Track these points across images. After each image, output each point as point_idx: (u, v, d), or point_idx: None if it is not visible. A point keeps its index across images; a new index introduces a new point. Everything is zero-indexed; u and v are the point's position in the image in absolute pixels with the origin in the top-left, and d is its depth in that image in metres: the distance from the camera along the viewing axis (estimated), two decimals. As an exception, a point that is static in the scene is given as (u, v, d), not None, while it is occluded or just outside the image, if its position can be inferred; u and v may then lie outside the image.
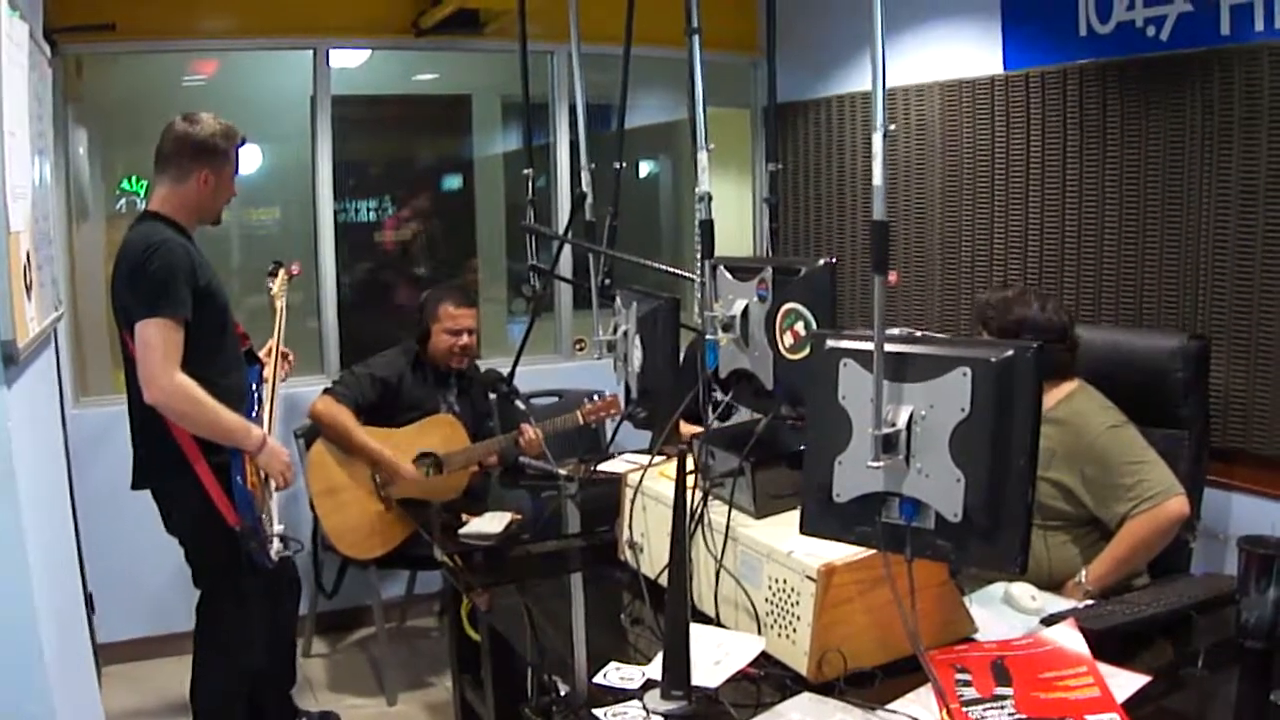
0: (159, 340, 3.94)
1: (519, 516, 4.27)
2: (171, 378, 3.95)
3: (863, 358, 2.34)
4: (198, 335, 4.07)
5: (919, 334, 2.42)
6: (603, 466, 4.58)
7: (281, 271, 4.93)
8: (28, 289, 2.91)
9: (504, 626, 3.53)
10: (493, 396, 5.39)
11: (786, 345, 2.94)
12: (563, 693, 2.90)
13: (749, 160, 7.54)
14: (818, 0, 6.55)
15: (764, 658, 2.77)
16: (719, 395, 3.28)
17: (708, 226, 3.18)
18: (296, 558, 4.83)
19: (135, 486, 4.29)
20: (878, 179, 2.28)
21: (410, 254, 7.68)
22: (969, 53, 5.74)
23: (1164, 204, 4.77)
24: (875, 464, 2.27)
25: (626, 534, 3.53)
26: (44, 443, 3.45)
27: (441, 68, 7.62)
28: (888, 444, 2.27)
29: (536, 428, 5.29)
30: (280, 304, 4.81)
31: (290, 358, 4.80)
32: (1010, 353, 2.19)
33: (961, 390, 2.21)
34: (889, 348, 2.29)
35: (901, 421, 2.27)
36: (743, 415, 3.31)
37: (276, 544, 4.27)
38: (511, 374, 4.84)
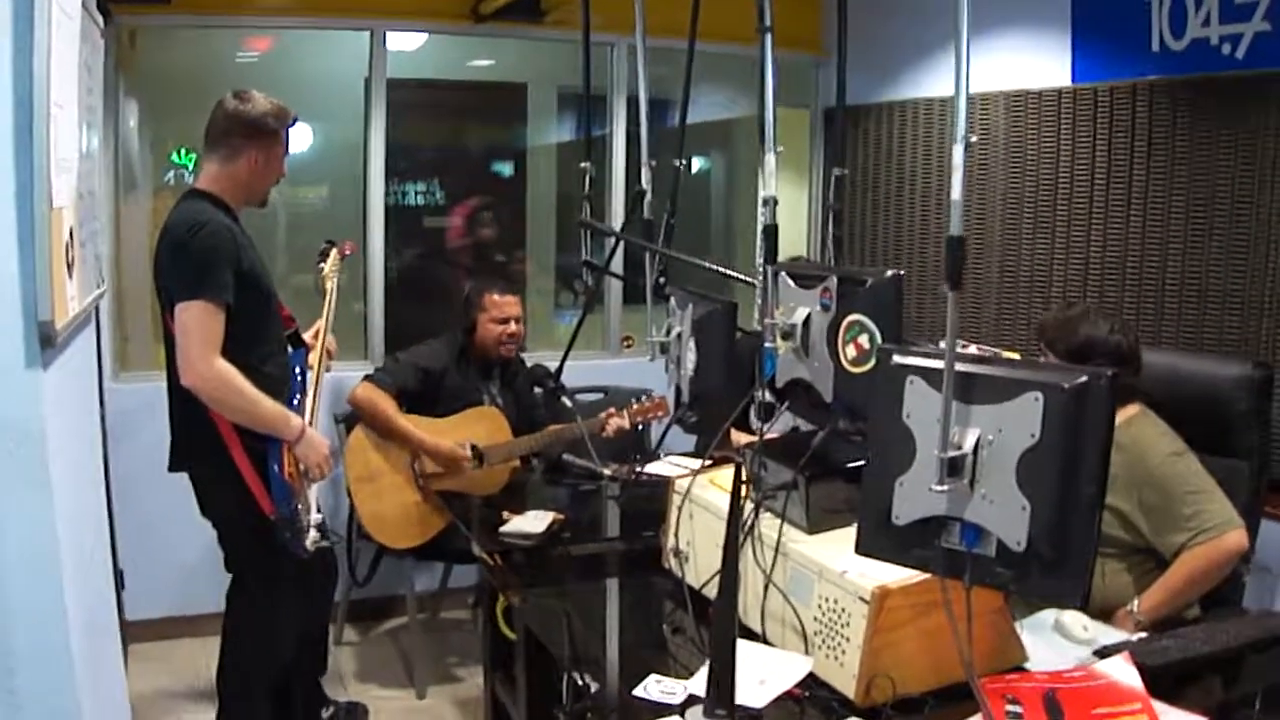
0: (198, 324, 3.89)
1: (561, 517, 4.20)
2: (210, 363, 3.89)
3: (931, 376, 2.26)
4: (239, 320, 4.01)
5: (990, 354, 2.35)
6: (647, 469, 4.50)
7: (334, 251, 4.82)
8: (69, 267, 2.87)
9: (540, 627, 3.48)
10: (538, 391, 5.34)
11: (849, 358, 2.86)
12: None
13: (805, 162, 7.50)
14: (882, 3, 6.46)
15: (810, 679, 2.71)
16: (774, 404, 3.21)
17: (771, 231, 3.10)
18: (336, 545, 4.75)
19: (172, 469, 4.24)
20: (956, 192, 2.19)
21: (476, 242, 7.61)
22: (1036, 63, 5.65)
23: (1231, 226, 4.68)
24: (939, 487, 2.19)
25: (672, 541, 3.47)
26: (80, 423, 3.41)
27: (498, 55, 7.58)
28: (953, 467, 2.18)
29: (621, 415, 5.25)
30: (331, 285, 4.72)
31: (333, 351, 4.71)
32: (1084, 379, 2.11)
33: (1032, 415, 2.12)
34: (958, 367, 2.21)
35: (968, 444, 2.18)
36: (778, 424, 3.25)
37: (313, 534, 4.21)
38: (559, 369, 4.77)
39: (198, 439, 4.10)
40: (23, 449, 2.52)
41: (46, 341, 2.56)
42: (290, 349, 4.43)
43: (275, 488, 4.07)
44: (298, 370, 4.38)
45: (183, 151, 6.51)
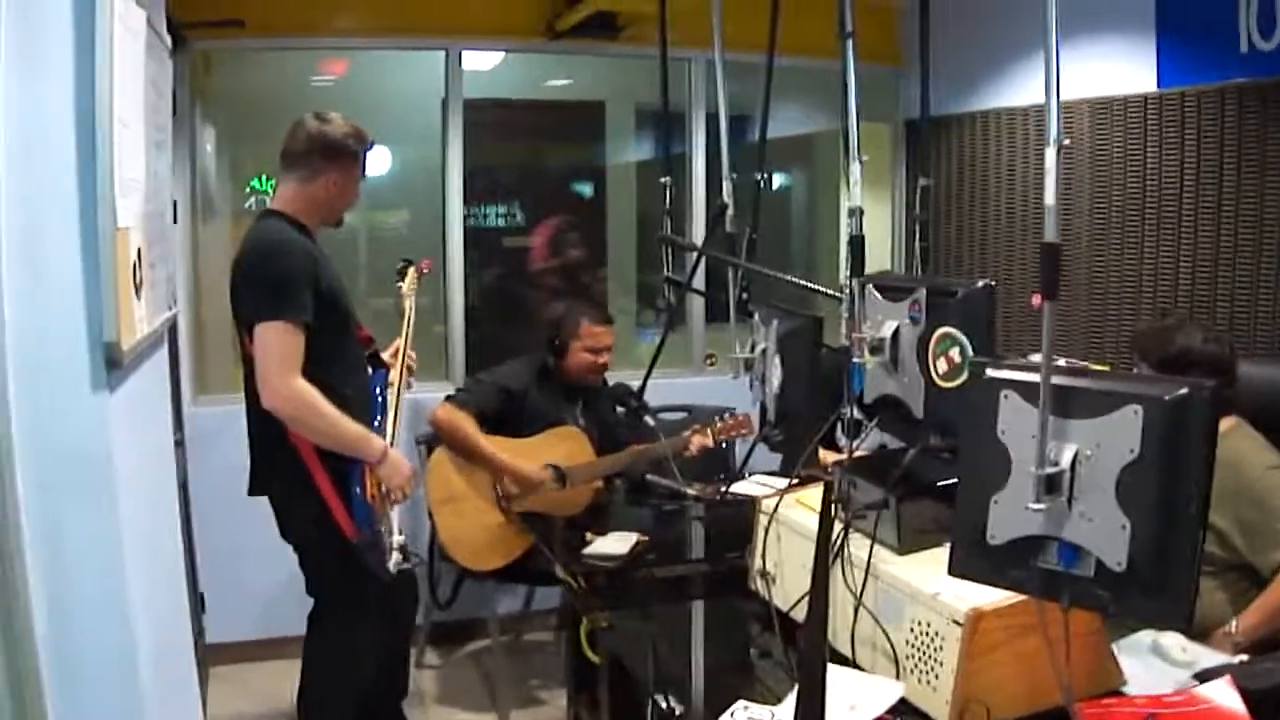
0: (278, 344, 3.89)
1: (646, 538, 4.17)
2: (290, 383, 3.89)
3: (1026, 390, 2.18)
4: (319, 339, 4.01)
5: (1086, 367, 2.27)
6: (733, 489, 4.45)
7: (411, 270, 4.85)
8: (137, 288, 2.84)
9: (624, 651, 3.44)
10: (621, 410, 5.30)
11: (940, 372, 2.79)
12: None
13: (886, 177, 7.43)
14: (961, 13, 6.42)
15: (902, 704, 2.65)
16: (863, 421, 3.15)
17: (858, 243, 3.04)
18: (418, 567, 4.72)
19: (252, 492, 4.25)
20: (1050, 197, 2.12)
21: (553, 266, 7.57)
22: (1121, 69, 5.55)
23: (1327, 233, 4.57)
24: (1036, 505, 2.11)
25: (759, 563, 3.41)
26: (151, 446, 3.39)
27: (575, 73, 7.60)
28: (1050, 484, 2.10)
29: (705, 430, 5.21)
30: (409, 304, 4.74)
31: (413, 366, 4.70)
32: (1184, 391, 2.02)
33: (1131, 430, 2.04)
34: (1054, 380, 2.13)
35: (1065, 461, 2.10)
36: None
37: (395, 556, 4.20)
38: (642, 388, 4.71)
39: (278, 461, 4.10)
40: (89, 473, 2.50)
41: (113, 364, 2.53)
42: (370, 370, 4.42)
43: (357, 510, 4.07)
44: (378, 391, 4.37)
45: (263, 179, 6.53)
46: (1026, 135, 6.21)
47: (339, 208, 4.34)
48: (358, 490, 4.07)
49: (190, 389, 5.93)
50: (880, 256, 7.34)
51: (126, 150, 2.72)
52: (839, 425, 3.14)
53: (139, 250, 2.89)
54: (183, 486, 5.09)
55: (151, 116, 3.26)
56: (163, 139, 3.65)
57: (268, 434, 4.07)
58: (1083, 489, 2.10)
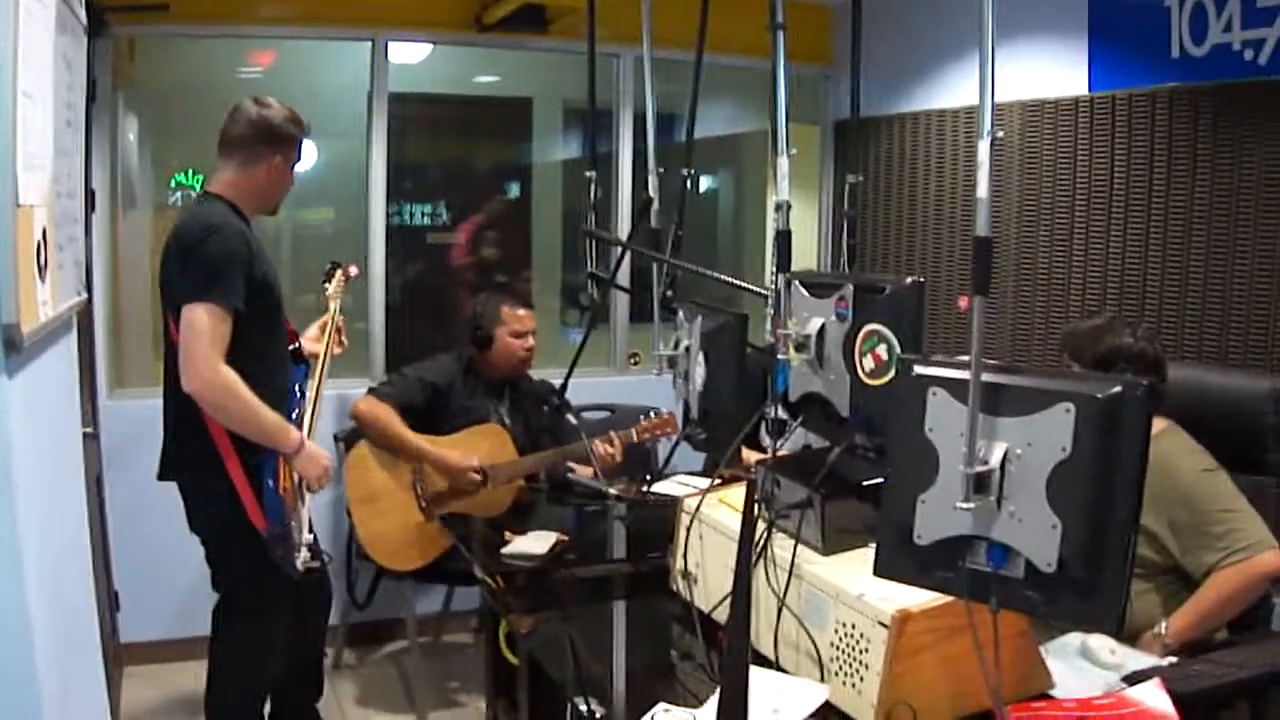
0: (206, 327, 3.82)
1: (565, 538, 4.13)
2: (214, 367, 3.82)
3: (954, 387, 2.12)
4: (248, 330, 3.96)
5: (1013, 364, 2.23)
6: (655, 488, 4.40)
7: (339, 272, 4.82)
8: (41, 270, 2.76)
9: (543, 652, 3.41)
10: (545, 409, 5.25)
11: (866, 370, 2.74)
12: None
13: (813, 179, 7.43)
14: (891, 14, 6.44)
15: (826, 707, 2.61)
16: (788, 421, 3.09)
17: (785, 238, 2.98)
18: (329, 566, 4.65)
19: (161, 477, 4.17)
20: (982, 190, 2.06)
21: (474, 262, 7.51)
22: (1053, 71, 5.57)
23: (1256, 236, 4.61)
24: (965, 505, 2.06)
25: (680, 563, 3.36)
26: (54, 435, 3.30)
27: (503, 69, 7.58)
28: (979, 483, 2.05)
29: (617, 440, 5.15)
30: (335, 305, 4.69)
31: (343, 335, 4.68)
32: (1118, 389, 1.97)
33: (1063, 428, 1.99)
34: (984, 377, 2.08)
35: (995, 459, 2.05)
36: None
37: (304, 553, 4.13)
38: (564, 386, 4.65)
39: (191, 448, 4.04)
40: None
41: (10, 346, 2.45)
42: (292, 364, 4.37)
43: (269, 502, 4.01)
44: (295, 386, 4.29)
45: (189, 173, 6.45)
46: (956, 137, 6.23)
47: (277, 194, 4.32)
48: (270, 483, 4.01)
49: (106, 381, 5.84)
50: (805, 259, 7.31)
51: (31, 125, 2.63)
52: (763, 424, 3.09)
53: (44, 230, 2.80)
54: (97, 481, 5.01)
55: (63, 94, 3.18)
56: (74, 118, 3.57)
57: (183, 419, 4.01)
58: (1012, 488, 2.05)
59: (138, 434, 5.30)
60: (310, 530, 4.25)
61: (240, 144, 4.15)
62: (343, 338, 4.67)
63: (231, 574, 4.24)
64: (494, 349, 5.48)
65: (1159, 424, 3.66)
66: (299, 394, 4.33)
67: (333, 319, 4.61)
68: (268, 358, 4.13)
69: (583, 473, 5.20)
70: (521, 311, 5.50)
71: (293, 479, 4.11)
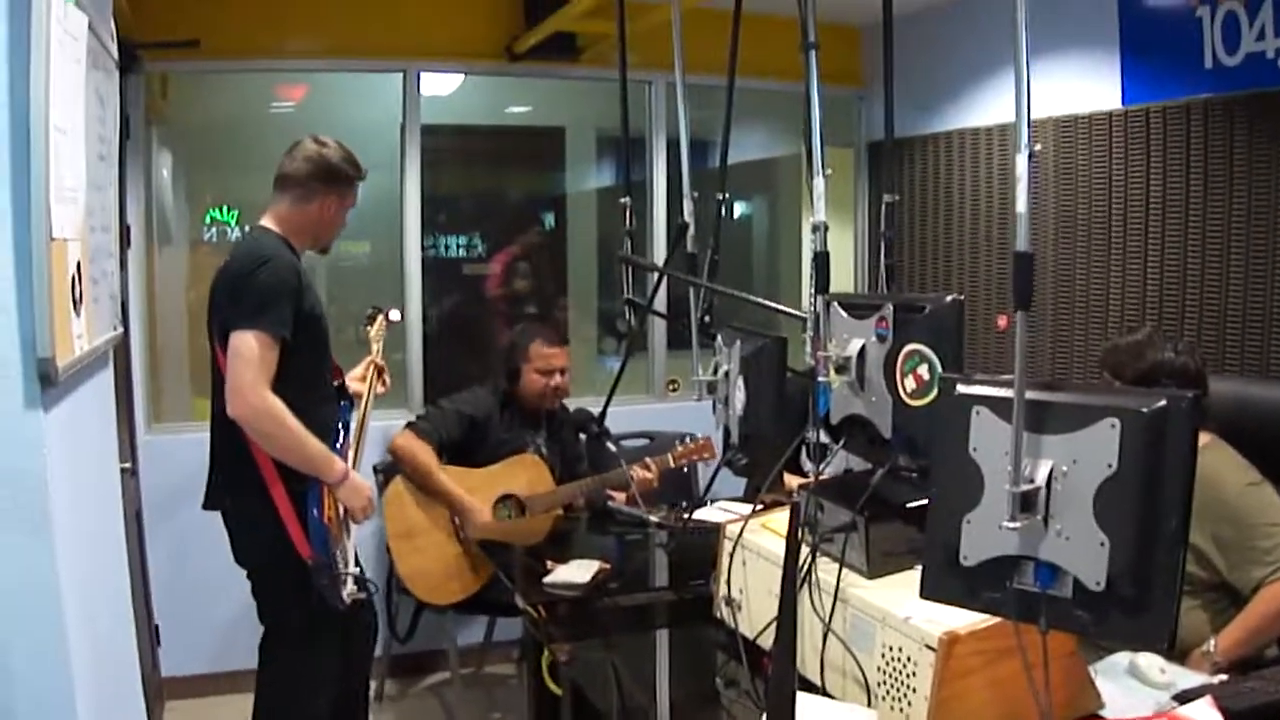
0: (254, 354, 3.85)
1: (607, 566, 4.09)
2: (260, 393, 3.84)
3: (998, 405, 2.10)
4: (295, 361, 3.99)
5: (1056, 380, 2.20)
6: (696, 515, 4.38)
7: (380, 317, 4.87)
8: (76, 303, 2.76)
9: (587, 681, 3.37)
10: (583, 437, 5.23)
11: (908, 390, 2.72)
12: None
13: (848, 201, 7.42)
14: (920, 35, 6.44)
15: (875, 733, 2.56)
16: (829, 445, 3.07)
17: (823, 259, 2.97)
18: (374, 596, 4.64)
19: (206, 506, 4.18)
20: (1021, 205, 2.05)
21: (509, 293, 7.51)
22: (1085, 86, 5.55)
23: (1295, 246, 4.55)
24: (1011, 524, 2.04)
25: (724, 590, 3.33)
26: (92, 469, 3.31)
27: (535, 99, 7.60)
28: (1025, 502, 2.03)
29: (654, 465, 5.13)
30: (377, 348, 4.74)
31: (385, 375, 4.72)
32: (1163, 403, 1.95)
33: (1109, 444, 1.96)
34: (1028, 394, 2.06)
35: (1041, 478, 2.03)
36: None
37: (350, 585, 4.11)
38: (603, 414, 4.65)
39: (237, 476, 4.05)
40: (21, 493, 2.42)
41: (46, 380, 2.45)
42: (338, 401, 4.40)
43: (313, 531, 4.01)
44: (341, 423, 4.30)
45: (224, 209, 6.49)
46: (990, 155, 6.20)
47: (329, 233, 4.37)
48: (315, 512, 4.01)
49: (144, 417, 5.85)
50: (841, 283, 7.28)
51: (64, 158, 2.64)
52: (804, 449, 3.07)
53: (79, 264, 2.81)
54: (136, 516, 5.02)
55: (95, 128, 3.19)
56: (107, 152, 3.59)
57: (229, 447, 4.03)
58: (1059, 506, 2.02)
59: (176, 469, 5.34)
60: (357, 563, 4.24)
61: (296, 180, 4.19)
62: (385, 377, 4.70)
63: (277, 605, 4.22)
64: (521, 384, 5.48)
65: (1202, 438, 3.59)
66: (343, 429, 4.33)
67: (375, 360, 4.64)
68: (313, 390, 4.15)
69: (620, 499, 5.19)
70: (548, 350, 5.47)
71: (337, 509, 4.11)
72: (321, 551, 4.01)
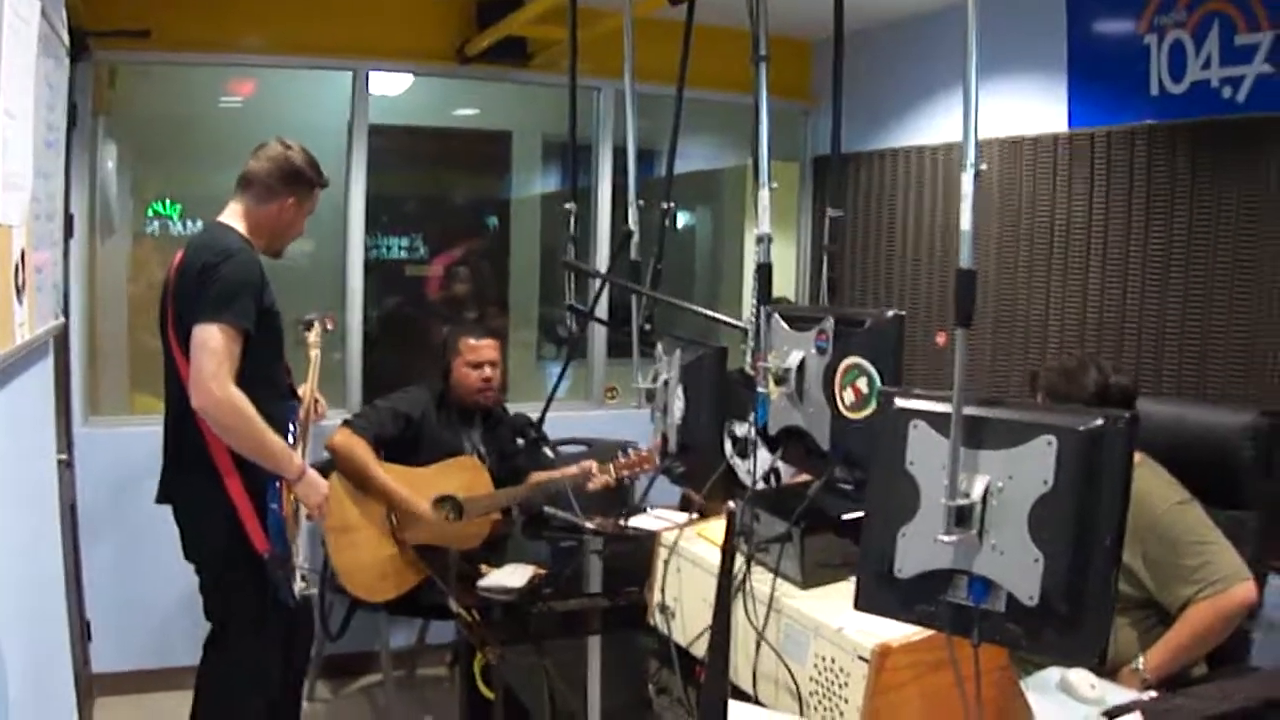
0: (219, 345, 3.85)
1: (542, 571, 4.08)
2: (225, 385, 3.84)
3: (936, 420, 2.11)
4: (255, 355, 3.99)
5: (994, 397, 2.22)
6: (632, 522, 4.38)
7: (316, 324, 4.93)
8: (19, 290, 2.74)
9: (519, 686, 3.37)
10: (520, 441, 5.23)
11: (846, 403, 2.73)
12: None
13: (791, 215, 7.47)
14: (870, 53, 6.47)
15: (806, 743, 2.56)
16: (767, 454, 3.08)
17: (766, 270, 2.98)
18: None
19: (160, 500, 4.16)
20: (966, 223, 2.06)
21: (450, 296, 7.50)
22: (1032, 108, 5.60)
23: (1234, 273, 4.64)
24: (946, 538, 2.05)
25: (658, 597, 3.33)
26: (27, 459, 3.28)
27: (482, 102, 7.59)
28: (960, 516, 2.04)
29: (608, 468, 5.14)
30: (315, 354, 4.79)
31: (320, 406, 4.74)
32: (1100, 422, 1.97)
33: (1045, 461, 1.98)
34: (965, 410, 2.07)
35: (977, 493, 2.04)
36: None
37: (300, 582, 4.11)
38: (541, 419, 4.64)
39: (192, 469, 4.04)
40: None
41: (-14, 367, 2.43)
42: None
43: (272, 524, 4.01)
44: (290, 420, 4.30)
45: (166, 202, 6.44)
46: (936, 173, 6.25)
47: (286, 236, 4.38)
48: (274, 506, 4.02)
49: (82, 409, 5.78)
50: (783, 294, 7.30)
51: (11, 144, 2.62)
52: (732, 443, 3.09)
53: (22, 251, 2.78)
54: (71, 509, 4.98)
55: (43, 114, 3.17)
56: (54, 140, 3.57)
57: (184, 440, 4.02)
58: (994, 521, 2.04)
59: (114, 462, 5.29)
60: (304, 559, 4.26)
61: (258, 179, 4.21)
62: (320, 408, 4.75)
63: (228, 599, 4.19)
64: (453, 379, 5.50)
65: (1134, 456, 3.66)
66: (293, 425, 4.33)
67: (314, 369, 4.72)
68: (269, 385, 4.14)
69: (599, 480, 5.21)
70: (475, 341, 5.48)
71: (293, 504, 4.12)
72: (279, 545, 4.01)
